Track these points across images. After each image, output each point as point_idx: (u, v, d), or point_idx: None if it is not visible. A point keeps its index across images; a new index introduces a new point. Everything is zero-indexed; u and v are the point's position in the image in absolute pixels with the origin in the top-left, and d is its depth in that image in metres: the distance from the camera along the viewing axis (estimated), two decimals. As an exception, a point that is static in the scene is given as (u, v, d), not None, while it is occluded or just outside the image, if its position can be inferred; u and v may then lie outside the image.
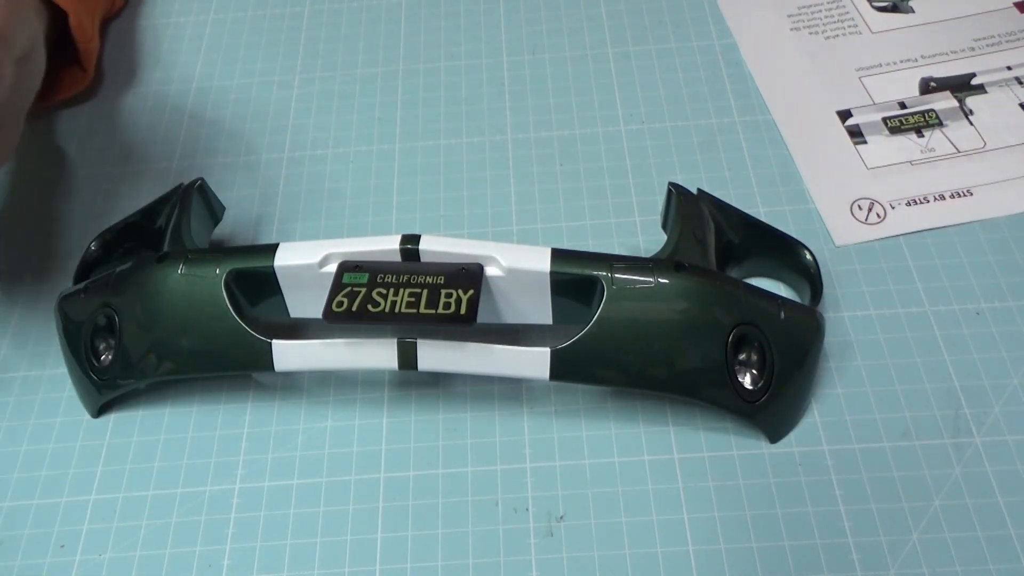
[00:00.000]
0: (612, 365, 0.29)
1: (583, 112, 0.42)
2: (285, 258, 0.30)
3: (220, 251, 0.31)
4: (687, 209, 0.32)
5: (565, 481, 0.31)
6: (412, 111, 0.42)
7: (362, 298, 0.28)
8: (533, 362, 0.29)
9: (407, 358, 0.29)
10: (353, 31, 0.46)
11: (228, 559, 0.30)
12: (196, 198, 0.35)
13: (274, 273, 0.31)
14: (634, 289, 0.29)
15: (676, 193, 0.33)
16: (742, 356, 0.30)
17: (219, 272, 0.30)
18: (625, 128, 0.41)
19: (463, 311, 0.28)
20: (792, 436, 0.31)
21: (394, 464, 0.32)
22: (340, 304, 0.28)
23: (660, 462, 0.31)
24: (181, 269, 0.30)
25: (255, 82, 0.44)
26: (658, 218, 0.35)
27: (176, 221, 0.33)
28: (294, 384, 0.34)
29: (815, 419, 0.32)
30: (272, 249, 0.31)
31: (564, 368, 0.29)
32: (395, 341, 0.29)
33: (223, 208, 0.38)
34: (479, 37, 0.45)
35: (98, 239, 0.35)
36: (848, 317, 0.34)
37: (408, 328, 0.30)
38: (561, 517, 0.30)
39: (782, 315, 0.30)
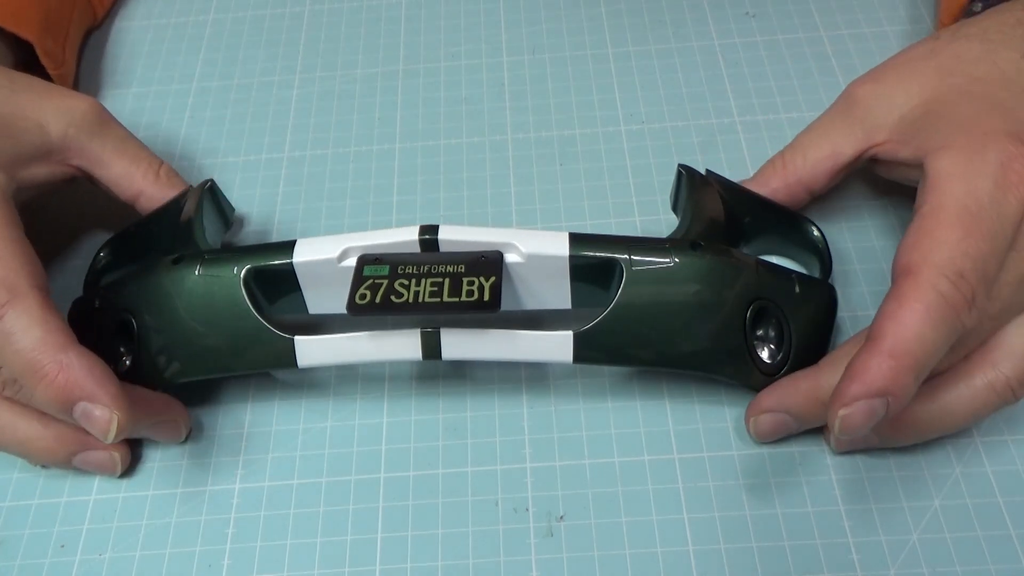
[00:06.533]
0: (633, 345, 0.29)
1: (583, 112, 0.42)
2: (304, 254, 0.30)
3: (237, 250, 0.31)
4: (697, 190, 0.33)
5: (565, 481, 0.31)
6: (412, 111, 0.42)
7: (385, 290, 0.28)
8: (556, 346, 0.29)
9: (430, 348, 0.29)
10: (353, 31, 0.46)
11: (228, 559, 0.30)
12: (207, 199, 0.35)
13: (293, 270, 0.30)
14: (652, 270, 0.29)
15: (686, 174, 0.33)
16: (760, 332, 0.30)
17: (237, 271, 0.30)
18: (625, 128, 0.41)
19: (487, 297, 0.28)
20: (792, 436, 0.31)
21: (394, 464, 0.32)
22: (363, 297, 0.28)
23: (660, 462, 0.31)
24: (198, 270, 0.30)
25: (255, 82, 0.44)
26: (659, 218, 0.35)
27: (188, 223, 0.33)
28: (294, 384, 0.34)
29: (815, 419, 0.32)
30: (290, 246, 0.31)
31: (587, 350, 0.29)
32: (418, 332, 0.29)
33: (233, 209, 0.38)
34: (479, 37, 0.45)
35: (108, 245, 0.35)
36: (855, 293, 0.34)
37: (430, 318, 0.30)
38: (561, 517, 0.30)
39: (797, 289, 0.30)
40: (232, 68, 0.45)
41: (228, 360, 0.30)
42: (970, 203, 0.26)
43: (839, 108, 0.33)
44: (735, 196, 0.34)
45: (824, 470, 0.30)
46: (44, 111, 0.33)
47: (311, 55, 0.45)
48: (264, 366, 0.31)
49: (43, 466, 0.32)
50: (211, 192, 0.36)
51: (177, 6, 0.49)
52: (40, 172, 0.33)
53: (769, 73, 0.42)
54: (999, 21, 0.31)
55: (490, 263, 0.29)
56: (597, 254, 0.29)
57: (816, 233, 0.34)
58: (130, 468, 0.32)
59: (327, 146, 0.41)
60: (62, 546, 0.31)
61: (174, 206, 0.35)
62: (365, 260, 0.30)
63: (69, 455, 0.31)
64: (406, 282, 0.28)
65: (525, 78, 0.43)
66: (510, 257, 0.30)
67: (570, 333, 0.29)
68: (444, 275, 0.29)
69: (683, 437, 0.32)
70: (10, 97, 0.33)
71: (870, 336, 0.26)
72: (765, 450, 0.31)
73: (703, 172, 0.34)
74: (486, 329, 0.29)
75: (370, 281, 0.29)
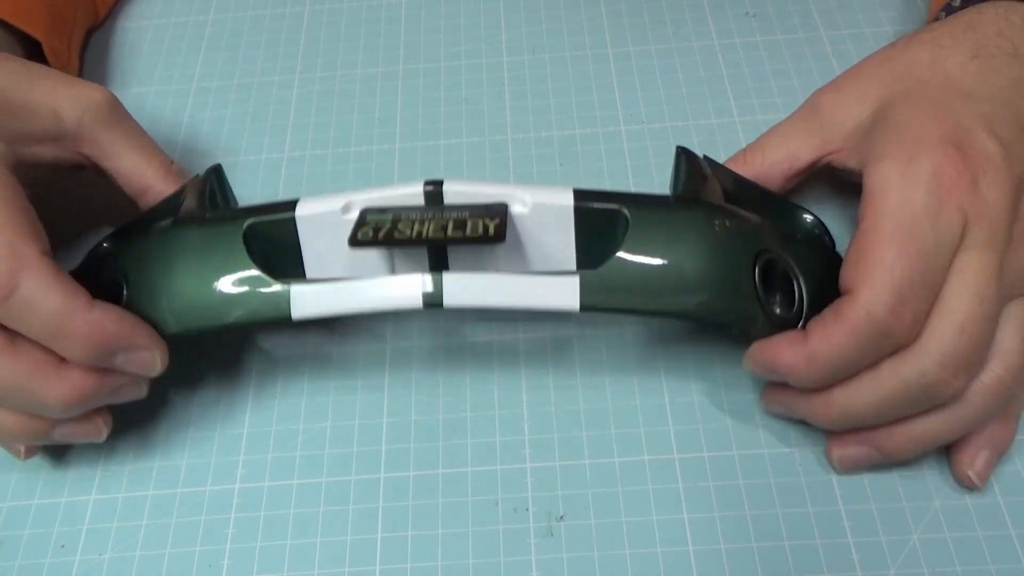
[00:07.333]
0: (642, 291, 0.29)
1: (583, 112, 0.42)
2: (307, 208, 0.30)
3: (238, 209, 0.31)
4: (696, 170, 0.33)
5: (565, 481, 0.31)
6: (412, 111, 0.42)
7: (388, 228, 0.28)
8: (562, 291, 0.29)
9: (432, 295, 0.29)
10: (353, 31, 0.46)
11: (228, 559, 0.30)
12: (213, 182, 0.35)
13: (294, 224, 0.30)
14: (658, 217, 0.29)
15: (685, 156, 0.33)
16: (770, 284, 0.30)
17: (238, 225, 0.30)
18: (625, 128, 0.41)
19: (492, 232, 0.27)
20: (792, 436, 0.31)
21: (394, 464, 0.32)
22: (366, 233, 0.28)
23: (660, 462, 0.31)
24: (199, 226, 0.30)
25: (255, 82, 0.44)
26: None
27: (193, 202, 0.33)
28: (294, 384, 0.34)
29: (815, 419, 0.32)
30: (292, 204, 0.30)
31: (594, 294, 0.29)
32: (419, 276, 0.29)
33: (235, 200, 0.38)
34: (479, 37, 0.45)
35: (108, 241, 0.35)
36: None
37: (435, 262, 0.30)
38: (561, 517, 0.30)
39: (802, 239, 0.30)
40: (232, 68, 0.45)
41: (222, 309, 0.30)
42: (904, 217, 0.27)
43: (802, 114, 0.34)
44: (732, 183, 0.34)
45: (824, 470, 0.30)
46: (59, 99, 0.33)
47: (311, 55, 0.45)
48: (258, 317, 0.30)
49: (22, 457, 0.32)
50: (217, 175, 0.35)
51: (177, 6, 0.49)
52: (46, 152, 0.33)
53: (769, 73, 0.42)
54: (951, 26, 0.32)
55: (496, 209, 0.29)
56: (602, 205, 0.29)
57: (811, 219, 0.34)
58: (130, 468, 0.32)
59: (327, 146, 0.41)
60: (62, 546, 0.31)
61: (173, 201, 0.35)
62: (369, 211, 0.29)
63: (48, 428, 0.30)
64: (410, 224, 0.28)
65: (525, 78, 0.43)
66: (515, 208, 0.29)
67: (576, 277, 0.29)
68: (449, 219, 0.28)
69: (683, 437, 0.32)
70: (25, 84, 0.33)
71: (807, 328, 0.28)
72: (765, 450, 0.31)
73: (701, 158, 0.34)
74: (491, 273, 0.29)
75: (373, 223, 0.28)
